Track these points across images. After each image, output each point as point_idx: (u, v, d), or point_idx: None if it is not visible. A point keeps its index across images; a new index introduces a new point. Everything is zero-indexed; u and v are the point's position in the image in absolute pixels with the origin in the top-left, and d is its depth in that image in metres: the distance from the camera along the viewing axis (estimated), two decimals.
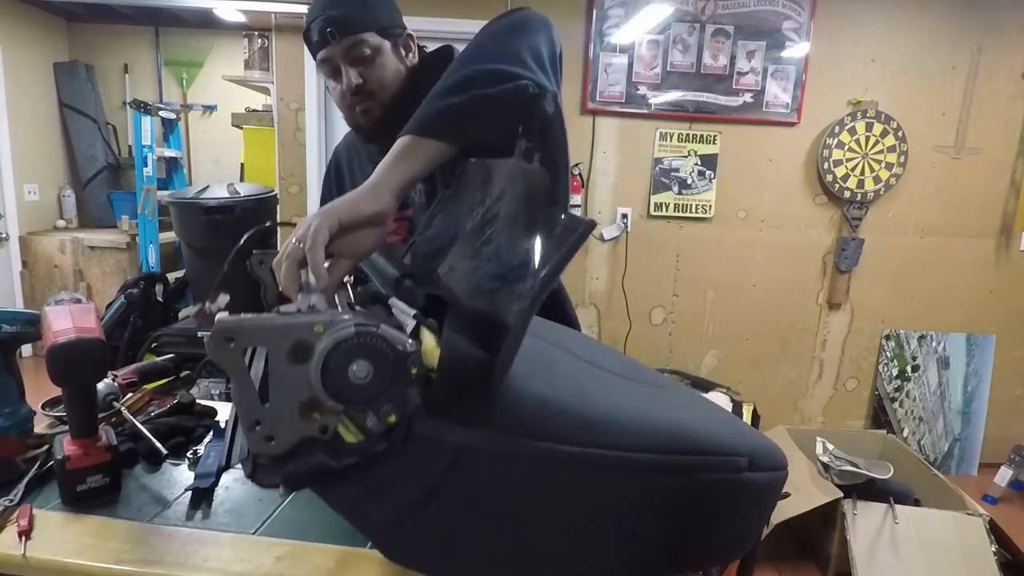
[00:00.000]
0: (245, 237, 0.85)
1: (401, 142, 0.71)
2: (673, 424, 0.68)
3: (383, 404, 0.55)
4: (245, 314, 0.53)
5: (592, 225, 0.56)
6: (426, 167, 0.71)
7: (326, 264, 0.62)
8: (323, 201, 1.36)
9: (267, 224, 0.93)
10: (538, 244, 0.60)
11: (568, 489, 0.62)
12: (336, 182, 1.31)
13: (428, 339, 0.58)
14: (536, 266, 0.56)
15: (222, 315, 0.54)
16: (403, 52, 1.11)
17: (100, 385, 1.06)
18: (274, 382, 0.54)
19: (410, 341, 0.56)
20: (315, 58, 1.07)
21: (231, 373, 0.53)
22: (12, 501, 0.86)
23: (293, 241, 0.62)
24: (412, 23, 1.14)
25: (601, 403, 0.66)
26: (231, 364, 0.52)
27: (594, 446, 0.60)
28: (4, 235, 3.87)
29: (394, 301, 0.66)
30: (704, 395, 0.91)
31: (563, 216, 0.58)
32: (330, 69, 1.07)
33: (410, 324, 0.60)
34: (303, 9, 2.67)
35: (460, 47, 0.91)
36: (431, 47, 1.17)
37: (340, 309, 0.65)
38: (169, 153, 4.04)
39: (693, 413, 0.76)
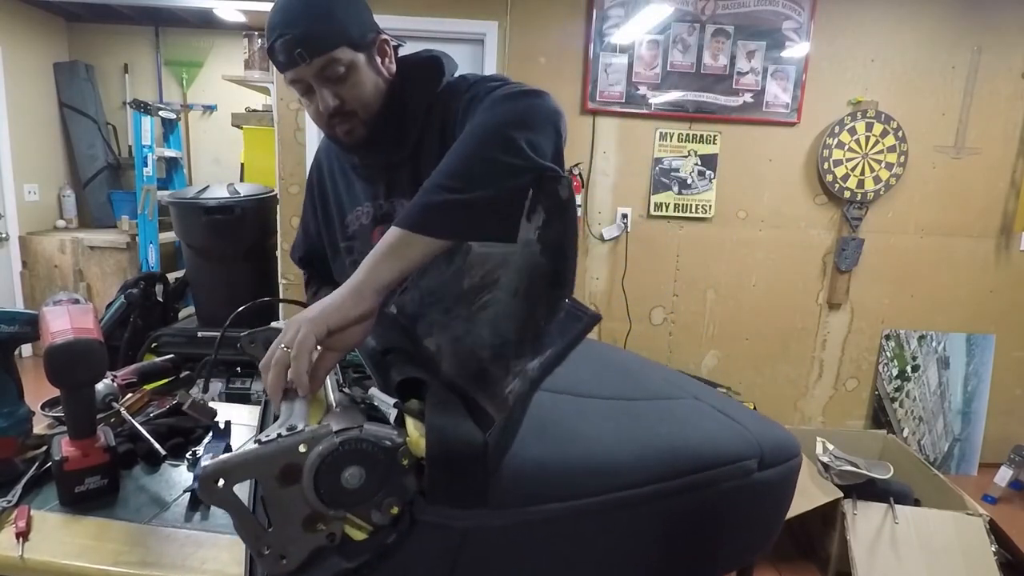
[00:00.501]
0: (244, 334, 0.84)
1: (392, 235, 0.68)
2: (676, 444, 0.69)
3: (384, 498, 0.55)
4: (226, 453, 0.53)
5: (597, 318, 0.55)
6: (416, 263, 0.68)
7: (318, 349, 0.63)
8: (306, 209, 1.27)
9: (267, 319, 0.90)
10: (540, 325, 0.59)
11: (580, 541, 0.62)
12: (319, 191, 1.23)
13: (412, 429, 0.58)
14: (537, 348, 0.55)
15: (206, 460, 0.54)
16: (379, 60, 1.02)
17: (99, 386, 1.06)
18: (272, 507, 0.54)
19: (395, 433, 0.56)
20: (283, 74, 1.00)
21: (227, 511, 0.53)
22: (10, 502, 0.86)
23: (281, 346, 0.62)
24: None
25: (600, 445, 0.66)
26: (225, 503, 0.52)
27: (597, 494, 0.61)
28: (4, 235, 3.87)
29: (373, 392, 0.66)
30: (708, 387, 0.90)
31: (567, 302, 0.57)
32: (302, 88, 1.00)
33: (392, 414, 0.60)
34: None
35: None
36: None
37: (330, 388, 0.67)
38: (169, 153, 4.04)
39: (696, 423, 0.76)
